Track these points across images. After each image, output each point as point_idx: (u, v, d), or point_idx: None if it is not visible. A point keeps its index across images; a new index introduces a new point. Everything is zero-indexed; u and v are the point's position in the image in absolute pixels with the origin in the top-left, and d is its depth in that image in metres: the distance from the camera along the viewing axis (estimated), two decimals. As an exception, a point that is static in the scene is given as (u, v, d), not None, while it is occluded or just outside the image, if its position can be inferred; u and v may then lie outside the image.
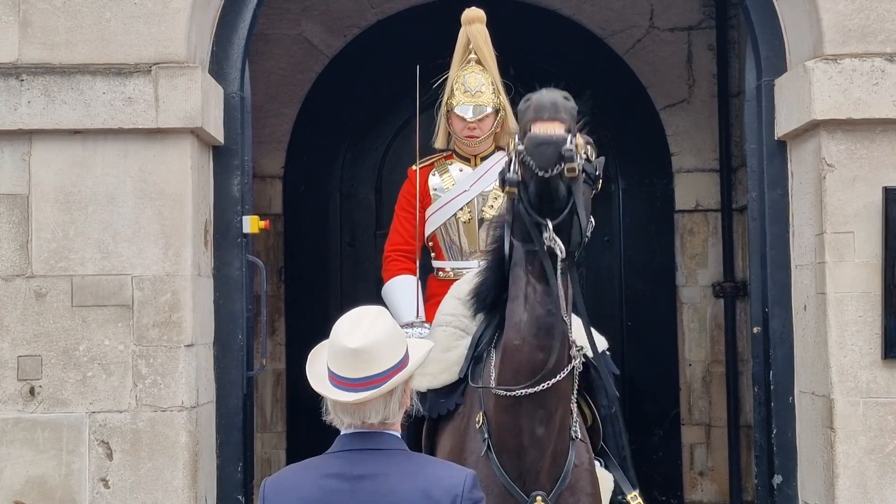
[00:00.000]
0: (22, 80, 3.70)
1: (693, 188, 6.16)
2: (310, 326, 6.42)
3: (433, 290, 3.94)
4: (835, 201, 3.86)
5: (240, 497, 4.09)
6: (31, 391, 3.75)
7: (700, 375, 6.19)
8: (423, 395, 3.57)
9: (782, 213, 4.16)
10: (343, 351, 2.18)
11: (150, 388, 3.78)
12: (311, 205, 6.46)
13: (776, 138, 4.17)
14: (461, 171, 4.05)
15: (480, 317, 3.33)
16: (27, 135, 3.75)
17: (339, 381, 2.18)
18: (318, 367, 2.28)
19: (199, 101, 3.76)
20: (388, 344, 2.17)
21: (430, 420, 3.56)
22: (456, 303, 3.60)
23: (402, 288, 4.02)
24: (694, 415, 6.20)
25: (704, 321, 6.18)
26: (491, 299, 3.20)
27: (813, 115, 3.84)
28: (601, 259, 6.13)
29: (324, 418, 2.21)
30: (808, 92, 3.86)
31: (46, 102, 3.71)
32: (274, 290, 6.22)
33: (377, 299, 6.29)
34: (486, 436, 3.20)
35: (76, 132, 3.75)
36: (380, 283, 6.25)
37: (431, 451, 3.60)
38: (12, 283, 3.76)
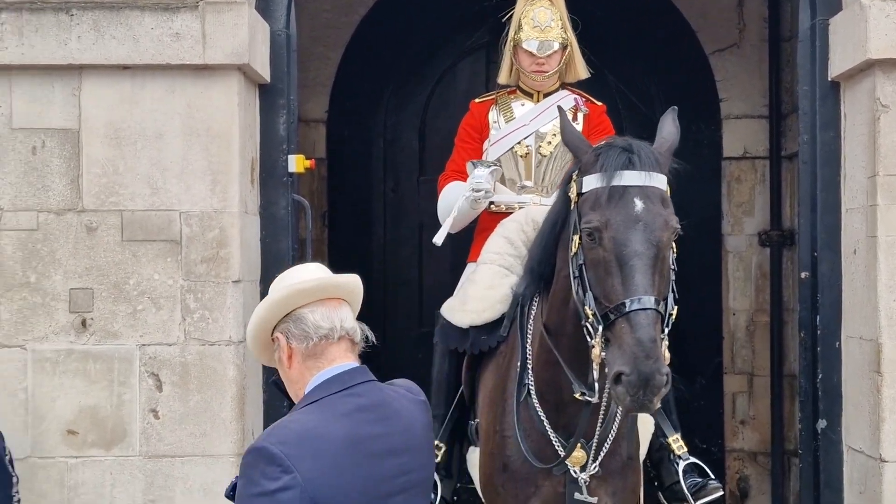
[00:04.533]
0: (72, 15, 3.72)
1: (741, 135, 6.07)
2: (352, 270, 6.47)
3: (485, 223, 3.94)
4: (888, 143, 3.79)
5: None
6: (83, 323, 3.82)
7: (744, 324, 6.15)
8: (465, 332, 3.60)
9: (834, 155, 4.10)
10: (301, 267, 2.27)
11: (199, 322, 3.83)
12: (355, 150, 6.47)
13: (829, 79, 4.09)
14: (523, 105, 4.04)
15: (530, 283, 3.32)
16: (77, 70, 3.78)
17: (311, 284, 2.18)
18: (274, 296, 2.20)
19: (245, 37, 3.76)
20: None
21: (471, 355, 3.59)
22: (502, 241, 3.61)
23: (457, 184, 3.97)
24: (737, 364, 6.17)
25: (749, 270, 6.12)
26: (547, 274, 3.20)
27: (868, 54, 3.75)
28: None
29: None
30: (863, 31, 3.77)
31: (96, 37, 3.73)
32: (318, 233, 6.26)
33: (419, 244, 6.36)
34: (529, 381, 3.22)
35: (125, 67, 3.77)
36: (422, 228, 6.33)
37: (472, 385, 3.63)
38: (64, 217, 3.82)
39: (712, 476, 3.62)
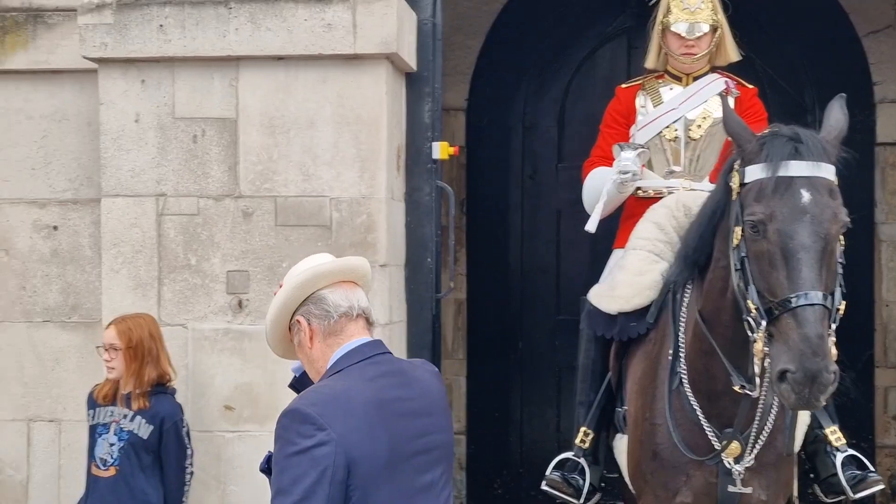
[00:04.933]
0: (230, 8, 3.88)
1: (896, 119, 5.83)
2: (490, 257, 6.55)
3: (631, 209, 3.92)
4: None
5: (428, 413, 4.24)
6: (239, 304, 4.00)
7: (897, 316, 5.92)
8: (613, 318, 3.59)
9: None
10: (317, 256, 2.42)
11: (347, 304, 3.95)
12: (493, 137, 6.51)
13: None
14: (671, 89, 4.00)
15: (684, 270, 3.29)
16: (235, 61, 3.94)
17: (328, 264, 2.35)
18: (294, 281, 2.35)
19: (394, 27, 3.84)
20: None
21: (619, 342, 3.58)
22: (652, 227, 3.58)
23: (602, 170, 3.96)
24: (889, 357, 5.93)
25: (904, 260, 5.88)
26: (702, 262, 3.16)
27: None
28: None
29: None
30: None
31: (252, 29, 3.88)
32: (456, 220, 6.35)
33: (557, 231, 6.36)
34: (681, 369, 3.20)
35: (279, 58, 3.92)
36: (560, 215, 6.33)
37: (620, 373, 3.62)
38: (222, 202, 4.00)
39: (872, 468, 3.51)
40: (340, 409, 2.11)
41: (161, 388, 3.79)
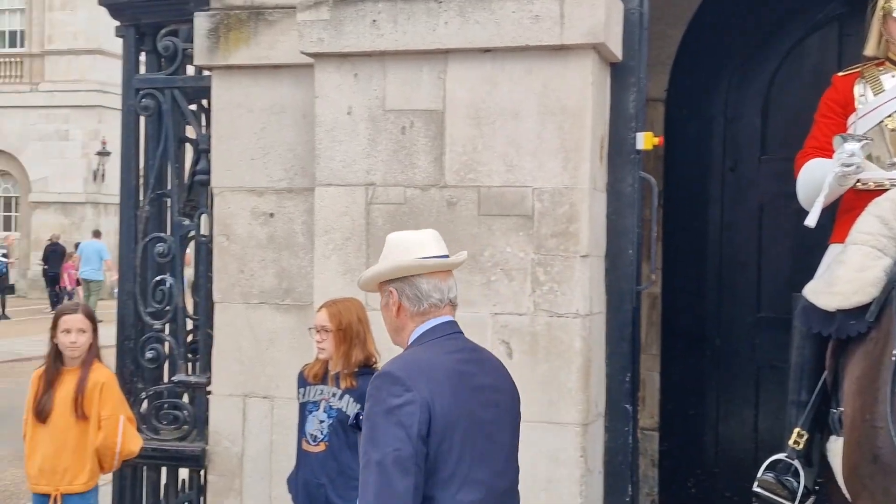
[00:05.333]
0: (440, 2, 3.97)
1: None
2: (686, 251, 6.41)
3: (850, 202, 3.75)
4: None
5: (627, 406, 4.21)
6: (442, 291, 4.09)
7: None
8: (830, 315, 3.45)
9: None
10: (424, 236, 2.68)
11: (547, 294, 3.98)
12: (693, 128, 6.36)
13: None
14: (893, 77, 3.80)
15: None
16: (443, 54, 4.03)
17: (433, 260, 2.62)
18: (401, 263, 2.63)
19: (602, 16, 3.82)
20: None
21: (836, 340, 3.44)
22: (875, 221, 3.41)
23: (819, 161, 3.81)
24: None
25: None
26: None
27: None
28: None
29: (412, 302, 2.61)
30: None
31: (461, 23, 3.96)
32: (648, 216, 6.26)
33: (758, 226, 6.16)
34: None
35: (486, 50, 3.98)
36: (762, 209, 6.12)
37: (836, 372, 3.48)
38: (428, 192, 4.11)
39: None
40: (424, 375, 2.45)
41: (367, 369, 3.92)
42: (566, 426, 3.93)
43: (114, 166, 26.61)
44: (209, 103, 4.70)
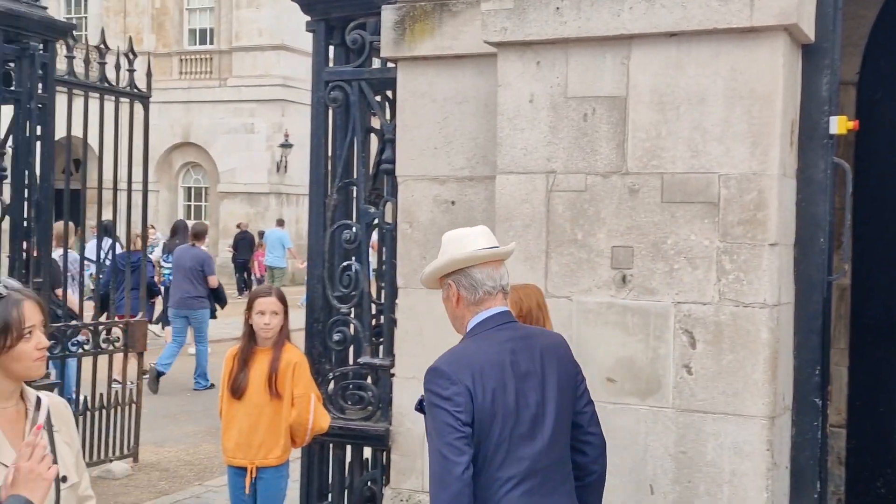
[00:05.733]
0: (625, -12, 3.94)
1: None
2: (879, 241, 6.10)
3: None
4: None
5: (816, 400, 4.07)
6: (623, 279, 4.07)
7: None
8: None
9: None
10: (475, 232, 3.07)
11: (733, 283, 3.88)
12: (889, 112, 6.06)
13: None
14: None
15: None
16: (627, 40, 4.00)
17: (485, 251, 3.00)
18: (457, 256, 3.01)
19: (794, -3, 3.70)
20: None
21: None
22: None
23: None
24: None
25: None
26: None
27: None
28: None
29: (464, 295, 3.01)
30: None
31: (646, 7, 3.91)
32: (841, 204, 6.00)
33: (960, 215, 5.80)
34: None
35: (671, 35, 3.92)
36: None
37: None
38: (609, 179, 4.08)
39: None
40: (468, 368, 2.87)
41: (546, 354, 3.95)
42: (751, 419, 3.83)
43: (295, 158, 27.77)
44: (394, 94, 4.83)
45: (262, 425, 4.51)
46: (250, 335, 4.58)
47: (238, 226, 25.04)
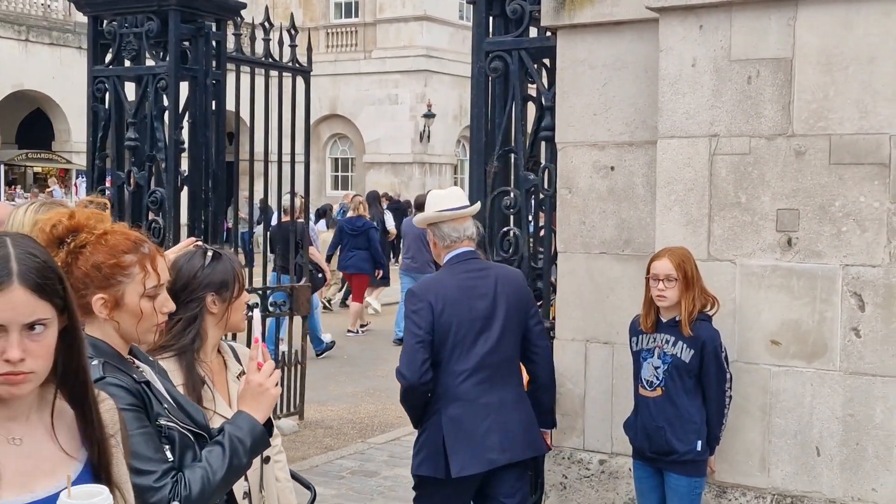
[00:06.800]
0: (791, -52, 3.90)
1: None
2: None
3: None
4: None
5: None
6: (788, 242, 4.06)
7: None
8: None
9: None
10: (444, 195, 4.14)
11: (905, 245, 3.83)
12: None
13: None
14: None
15: None
16: (793, 1, 3.96)
17: (448, 212, 4.03)
18: (425, 215, 4.15)
19: (973, -51, 3.58)
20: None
21: None
22: None
23: None
24: None
25: None
26: None
27: None
28: None
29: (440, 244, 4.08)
30: None
31: (814, -33, 3.87)
32: None
33: None
34: None
35: (840, -6, 3.87)
36: None
37: None
38: (774, 141, 4.07)
39: None
40: (433, 290, 3.96)
41: (704, 314, 3.97)
42: (924, 382, 3.78)
43: (438, 128, 28.10)
44: (552, 62, 4.91)
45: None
46: None
47: (385, 195, 25.59)
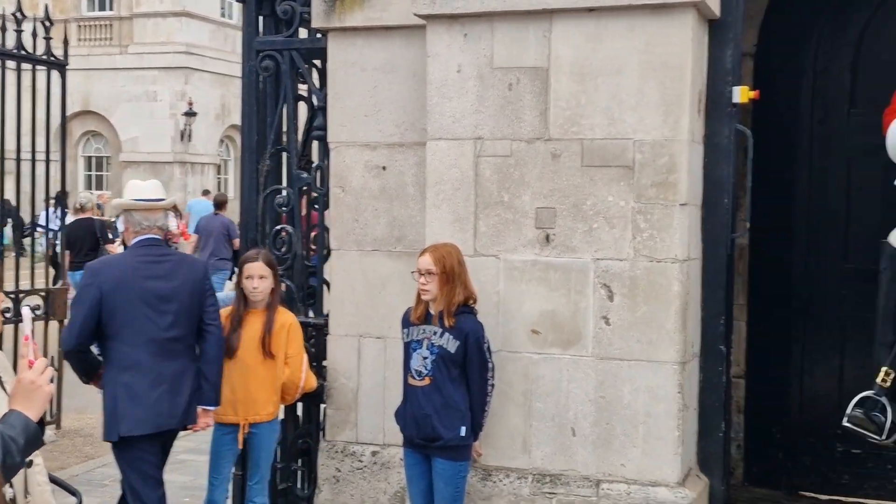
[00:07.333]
0: (547, -35, 4.19)
1: None
2: (775, 203, 6.52)
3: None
4: None
5: (721, 348, 4.45)
6: (546, 238, 4.36)
7: None
8: None
9: None
10: (142, 186, 4.65)
11: (647, 240, 4.22)
12: (783, 82, 6.44)
13: None
14: None
15: None
16: (549, 14, 4.26)
17: (142, 202, 4.54)
18: (119, 202, 4.70)
19: (702, -25, 4.00)
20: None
21: None
22: None
23: None
24: None
25: None
26: None
27: None
28: None
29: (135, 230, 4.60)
30: None
31: (567, -16, 4.18)
32: (742, 167, 6.38)
33: (847, 179, 6.24)
34: None
35: (590, 10, 4.20)
36: (850, 163, 6.19)
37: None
38: (533, 145, 4.36)
39: None
40: (108, 269, 4.51)
41: (467, 307, 4.19)
42: (664, 364, 4.19)
43: (200, 127, 27.36)
44: (324, 63, 5.00)
45: (253, 383, 4.64)
46: (242, 299, 4.68)
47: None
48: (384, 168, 4.81)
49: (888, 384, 3.80)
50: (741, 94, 4.36)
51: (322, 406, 5.06)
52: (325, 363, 5.00)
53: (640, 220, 4.22)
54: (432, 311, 4.19)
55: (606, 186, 4.26)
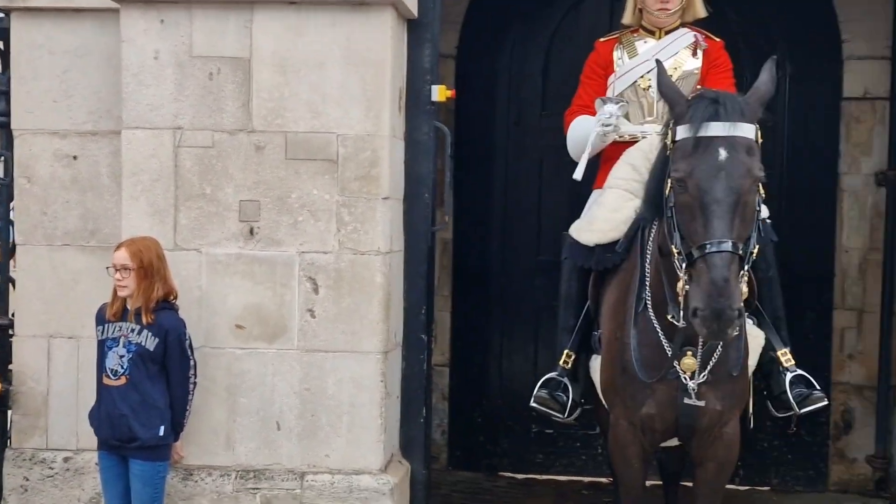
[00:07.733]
0: (248, -46, 4.13)
1: (862, 76, 6.14)
2: (474, 198, 6.83)
3: (609, 153, 4.26)
4: None
5: (423, 336, 4.60)
6: (251, 231, 4.31)
7: (856, 262, 6.28)
8: (591, 250, 3.95)
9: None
10: None
11: (351, 233, 4.27)
12: (481, 83, 6.75)
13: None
14: (645, 43, 4.33)
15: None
16: (249, 4, 4.21)
17: None
18: None
19: (400, -25, 4.11)
20: None
21: (596, 272, 3.94)
22: (627, 168, 3.93)
23: (584, 119, 4.31)
24: (847, 300, 6.31)
25: (865, 209, 6.23)
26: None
27: None
28: (764, 144, 6.21)
29: None
30: None
31: (268, -26, 4.14)
32: (442, 163, 6.62)
33: (539, 176, 6.66)
34: (646, 296, 3.56)
35: (291, 3, 4.19)
36: (542, 161, 6.62)
37: (597, 300, 3.98)
38: (236, 136, 4.29)
39: (818, 387, 3.90)
40: None
41: (167, 303, 4.06)
42: (368, 354, 4.27)
43: None
44: (7, 45, 4.64)
45: None
46: None
47: None
48: (76, 157, 4.54)
49: (569, 366, 4.09)
50: (439, 92, 4.52)
51: (8, 412, 4.70)
52: (10, 367, 4.65)
53: (344, 213, 4.27)
54: (129, 308, 4.02)
55: (311, 179, 4.28)
